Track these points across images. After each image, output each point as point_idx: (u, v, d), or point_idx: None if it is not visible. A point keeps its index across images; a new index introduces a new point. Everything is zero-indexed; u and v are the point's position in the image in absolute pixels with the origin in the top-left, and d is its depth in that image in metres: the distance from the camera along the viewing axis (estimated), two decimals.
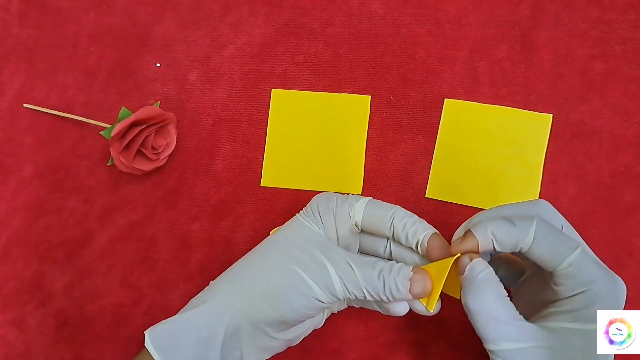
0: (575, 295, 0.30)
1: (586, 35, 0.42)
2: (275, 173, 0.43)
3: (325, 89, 0.43)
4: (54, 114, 0.44)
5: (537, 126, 0.41)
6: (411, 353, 0.40)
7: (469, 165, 0.41)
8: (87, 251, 0.43)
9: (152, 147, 0.41)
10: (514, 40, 0.42)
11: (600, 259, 0.39)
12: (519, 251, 0.31)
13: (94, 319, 0.42)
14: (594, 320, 0.29)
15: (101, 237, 0.43)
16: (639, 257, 0.39)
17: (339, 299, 0.33)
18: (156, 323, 0.42)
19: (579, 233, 0.40)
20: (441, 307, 0.33)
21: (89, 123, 0.43)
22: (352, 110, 0.43)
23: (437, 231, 0.34)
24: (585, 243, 0.32)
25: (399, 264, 0.33)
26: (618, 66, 0.41)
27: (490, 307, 0.29)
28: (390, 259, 0.37)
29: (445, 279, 0.31)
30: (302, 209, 0.37)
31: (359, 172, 0.42)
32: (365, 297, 0.32)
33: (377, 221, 0.35)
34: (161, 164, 0.42)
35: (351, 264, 0.32)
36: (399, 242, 0.35)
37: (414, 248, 0.34)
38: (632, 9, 0.42)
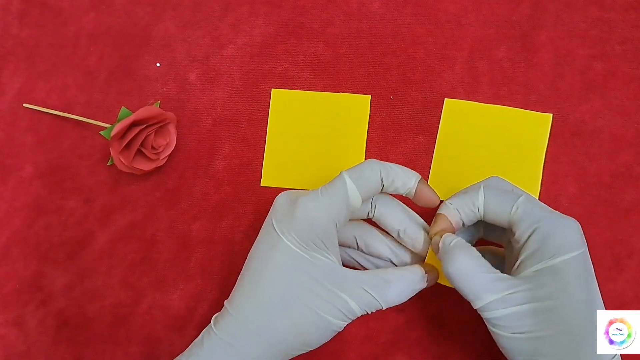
0: (529, 237, 0.31)
1: (586, 35, 0.42)
2: (275, 173, 0.43)
3: (325, 89, 0.43)
4: (54, 114, 0.44)
5: (537, 126, 0.41)
6: (411, 353, 0.40)
7: (468, 164, 0.41)
8: (87, 251, 0.43)
9: (152, 147, 0.41)
10: (514, 40, 0.42)
11: (600, 259, 0.39)
12: (480, 215, 0.34)
13: (94, 319, 0.42)
14: (554, 253, 0.31)
15: (101, 237, 0.43)
16: (639, 257, 0.39)
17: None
18: (156, 324, 0.42)
19: None
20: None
21: (89, 123, 0.43)
22: (352, 110, 0.43)
23: (421, 177, 0.35)
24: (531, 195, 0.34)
25: (408, 269, 0.34)
26: (618, 66, 0.41)
27: (465, 266, 0.31)
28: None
29: None
30: (285, 230, 0.32)
31: None
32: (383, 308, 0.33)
33: (370, 190, 0.33)
34: (161, 163, 0.42)
35: (366, 289, 0.32)
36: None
37: (406, 190, 0.34)
38: (632, 9, 0.42)
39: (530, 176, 0.40)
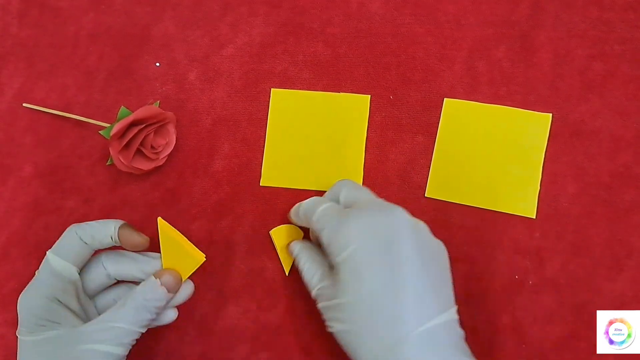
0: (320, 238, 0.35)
1: (585, 35, 0.42)
2: (274, 173, 0.43)
3: (324, 89, 0.43)
4: (53, 114, 0.44)
5: (537, 126, 0.41)
6: None
7: (468, 164, 0.41)
8: None
9: (152, 147, 0.41)
10: (513, 40, 0.42)
11: (600, 259, 0.39)
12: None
13: None
14: (336, 254, 0.33)
15: None
16: (638, 257, 0.39)
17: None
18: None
19: (579, 233, 0.40)
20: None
21: (89, 123, 0.43)
22: (352, 110, 0.43)
23: (122, 221, 0.36)
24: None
25: (141, 283, 0.34)
26: (617, 66, 0.41)
27: (304, 261, 0.37)
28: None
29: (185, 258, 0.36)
30: (19, 328, 0.34)
31: (358, 171, 0.42)
32: (142, 331, 0.34)
33: (78, 253, 0.35)
34: (160, 163, 0.42)
35: (113, 324, 0.32)
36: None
37: (112, 240, 0.35)
38: (631, 9, 0.42)
39: (529, 176, 0.40)
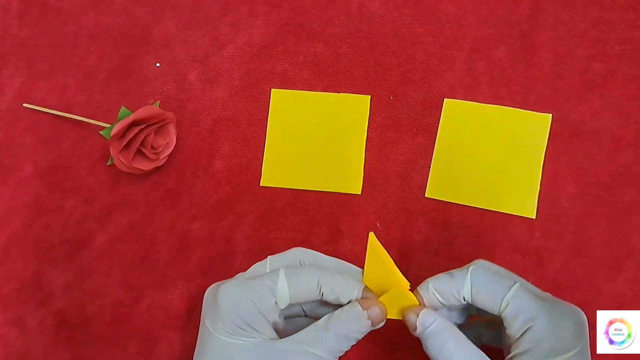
0: (522, 335, 0.29)
1: (586, 35, 0.42)
2: (274, 173, 0.43)
3: (325, 89, 0.43)
4: (53, 114, 0.44)
5: (537, 126, 0.41)
6: (411, 353, 0.40)
7: (468, 165, 0.41)
8: (87, 251, 0.43)
9: (152, 147, 0.41)
10: (513, 40, 0.42)
11: (600, 259, 0.39)
12: (466, 302, 0.31)
13: (93, 319, 0.42)
14: (549, 354, 0.28)
15: (101, 237, 0.43)
16: (638, 257, 0.39)
17: None
18: (156, 323, 0.42)
19: (579, 233, 0.40)
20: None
21: (89, 123, 0.43)
22: (352, 110, 0.43)
23: (362, 283, 0.32)
24: (525, 281, 0.32)
25: (344, 310, 0.31)
26: (617, 66, 0.41)
27: (453, 353, 0.29)
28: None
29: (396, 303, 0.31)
30: (213, 321, 0.31)
31: (358, 171, 0.42)
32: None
33: (304, 295, 0.31)
34: (161, 163, 0.42)
35: (310, 350, 0.30)
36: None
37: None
38: (631, 9, 0.42)
39: (529, 176, 0.40)
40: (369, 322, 0.31)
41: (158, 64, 0.45)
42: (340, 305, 0.32)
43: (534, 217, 0.40)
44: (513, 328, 0.29)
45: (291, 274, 0.31)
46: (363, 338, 0.40)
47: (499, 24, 0.42)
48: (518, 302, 0.29)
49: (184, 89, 0.44)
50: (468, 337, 0.30)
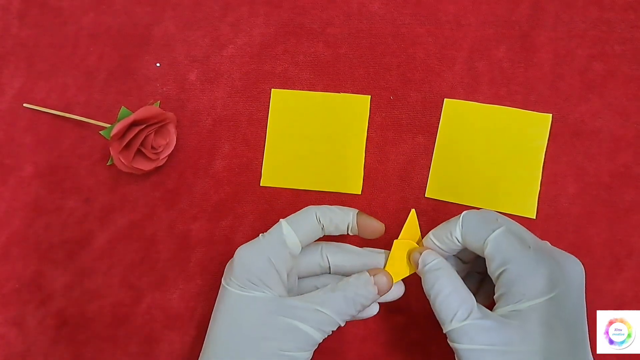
0: (499, 278, 0.31)
1: (586, 36, 0.42)
2: (275, 173, 0.43)
3: (325, 89, 0.43)
4: (54, 114, 0.44)
5: (537, 126, 0.41)
6: (411, 353, 0.40)
7: (468, 165, 0.41)
8: (87, 251, 0.43)
9: (152, 147, 0.41)
10: (513, 40, 0.42)
11: (600, 259, 0.39)
12: (460, 244, 0.33)
13: (93, 319, 0.42)
14: (520, 298, 0.29)
15: (101, 237, 0.43)
16: (638, 257, 0.39)
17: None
18: (156, 323, 0.42)
19: (579, 233, 0.40)
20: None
21: (89, 123, 0.43)
22: (352, 110, 0.43)
23: (356, 209, 0.35)
24: (524, 230, 0.33)
25: (353, 276, 0.33)
26: (618, 66, 0.41)
27: (444, 286, 0.31)
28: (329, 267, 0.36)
29: (403, 263, 0.35)
30: (227, 279, 0.34)
31: (358, 171, 0.42)
32: (342, 325, 0.33)
33: (309, 233, 0.34)
34: (161, 163, 0.42)
35: (314, 306, 0.32)
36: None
37: (347, 232, 0.35)
38: (631, 9, 0.42)
39: (529, 176, 0.41)
40: (376, 289, 0.33)
41: (158, 64, 0.45)
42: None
43: (534, 217, 0.40)
44: (491, 269, 0.31)
45: (292, 220, 0.34)
46: (363, 338, 0.40)
47: (499, 24, 0.42)
48: (496, 244, 0.31)
49: (184, 89, 0.44)
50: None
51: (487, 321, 0.29)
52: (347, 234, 0.35)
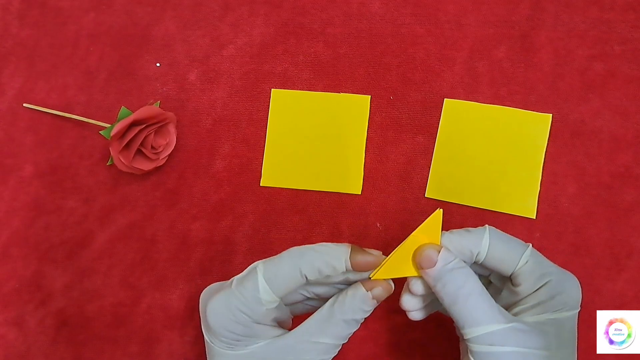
0: (538, 289, 0.31)
1: (586, 36, 0.42)
2: (275, 173, 0.43)
3: (325, 89, 0.43)
4: (54, 114, 0.44)
5: (537, 126, 0.41)
6: (411, 353, 0.40)
7: (468, 165, 0.41)
8: (87, 251, 0.43)
9: (152, 147, 0.41)
10: (513, 41, 0.42)
11: (600, 259, 0.39)
12: (477, 260, 0.31)
13: (93, 319, 0.42)
14: (560, 308, 0.30)
15: (101, 237, 0.43)
16: (639, 257, 0.39)
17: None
18: (156, 323, 0.42)
19: (579, 233, 0.40)
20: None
21: (89, 123, 0.43)
22: (352, 110, 0.43)
23: (349, 244, 0.31)
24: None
25: (349, 294, 0.31)
26: (618, 66, 0.41)
27: (469, 288, 0.29)
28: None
29: (400, 267, 0.31)
30: (211, 339, 0.31)
31: (358, 171, 0.42)
32: (346, 342, 0.32)
33: (289, 286, 0.31)
34: (161, 163, 0.42)
35: (320, 340, 0.30)
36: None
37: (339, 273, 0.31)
38: (631, 9, 0.42)
39: (529, 176, 0.40)
40: (374, 302, 0.31)
41: (158, 64, 0.45)
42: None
43: (534, 217, 0.40)
44: (528, 283, 0.31)
45: (270, 272, 0.30)
46: (363, 338, 0.40)
47: (499, 24, 0.42)
48: (536, 260, 0.31)
49: (184, 89, 0.44)
50: None
51: (526, 326, 0.29)
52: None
